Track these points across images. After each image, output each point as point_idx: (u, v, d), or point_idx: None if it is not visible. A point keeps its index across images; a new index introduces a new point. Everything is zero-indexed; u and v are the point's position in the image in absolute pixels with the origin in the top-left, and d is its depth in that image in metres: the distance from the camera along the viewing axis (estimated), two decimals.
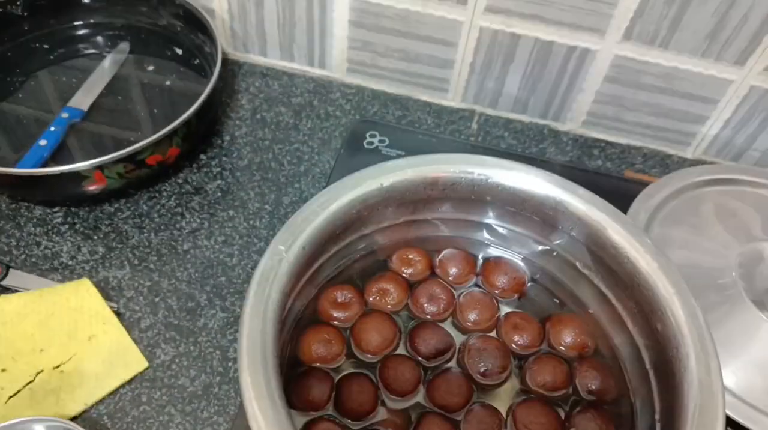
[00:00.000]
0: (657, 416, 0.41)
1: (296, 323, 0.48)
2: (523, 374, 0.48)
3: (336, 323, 0.49)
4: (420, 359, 0.48)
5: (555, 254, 0.50)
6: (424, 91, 0.80)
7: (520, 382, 0.48)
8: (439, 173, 0.46)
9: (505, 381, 0.48)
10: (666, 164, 0.77)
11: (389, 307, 0.51)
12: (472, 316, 0.50)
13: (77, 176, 0.61)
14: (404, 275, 0.53)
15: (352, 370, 0.48)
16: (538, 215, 0.48)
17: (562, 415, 0.45)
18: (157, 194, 0.68)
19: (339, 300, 0.49)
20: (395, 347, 0.48)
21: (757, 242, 0.53)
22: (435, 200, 0.50)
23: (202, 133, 0.72)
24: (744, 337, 0.49)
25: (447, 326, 0.50)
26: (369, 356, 0.47)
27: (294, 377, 0.45)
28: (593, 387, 0.46)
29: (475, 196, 0.49)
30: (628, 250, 0.43)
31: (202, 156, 0.72)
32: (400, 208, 0.49)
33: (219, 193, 0.69)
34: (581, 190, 0.46)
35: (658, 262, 0.42)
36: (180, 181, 0.70)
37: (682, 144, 0.78)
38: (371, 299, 0.51)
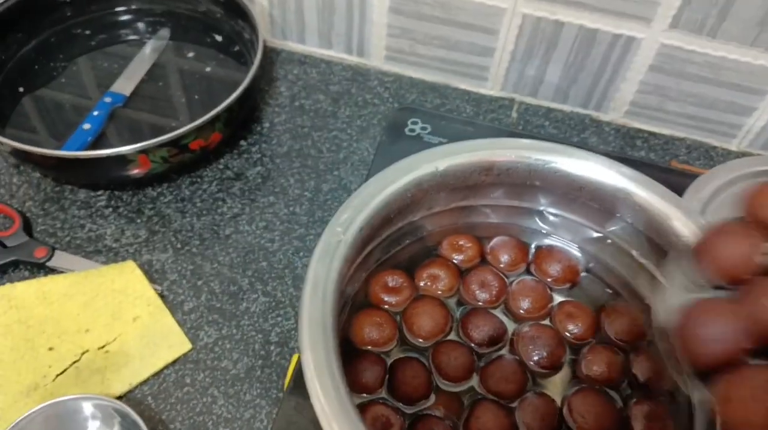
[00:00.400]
0: None
1: (348, 307, 0.48)
2: (577, 364, 0.47)
3: (387, 307, 0.49)
4: (473, 345, 0.48)
5: (610, 241, 0.49)
6: (463, 79, 0.80)
7: (574, 371, 0.47)
8: (495, 158, 0.46)
9: (558, 370, 0.47)
10: (710, 156, 0.76)
11: (440, 292, 0.50)
12: (524, 304, 0.49)
13: (122, 160, 0.61)
14: (454, 261, 0.52)
15: (404, 355, 0.47)
16: (595, 202, 0.47)
17: (618, 405, 0.45)
18: (198, 179, 0.69)
19: (390, 284, 0.49)
20: (447, 332, 0.48)
21: None
22: (487, 186, 0.49)
23: (243, 120, 0.72)
24: None
25: (498, 313, 0.50)
26: (421, 341, 0.47)
27: (347, 360, 0.45)
28: (649, 379, 0.45)
29: (530, 182, 0.48)
30: (691, 239, 0.42)
31: (243, 142, 0.72)
32: (453, 194, 0.49)
33: (259, 180, 0.69)
34: (643, 177, 0.45)
35: None
36: (221, 166, 0.70)
37: (727, 136, 0.76)
38: (422, 284, 0.51)
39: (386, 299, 0.49)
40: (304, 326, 0.35)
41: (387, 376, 0.45)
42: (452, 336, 0.48)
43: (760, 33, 0.65)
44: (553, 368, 0.47)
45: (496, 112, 0.78)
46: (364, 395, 0.44)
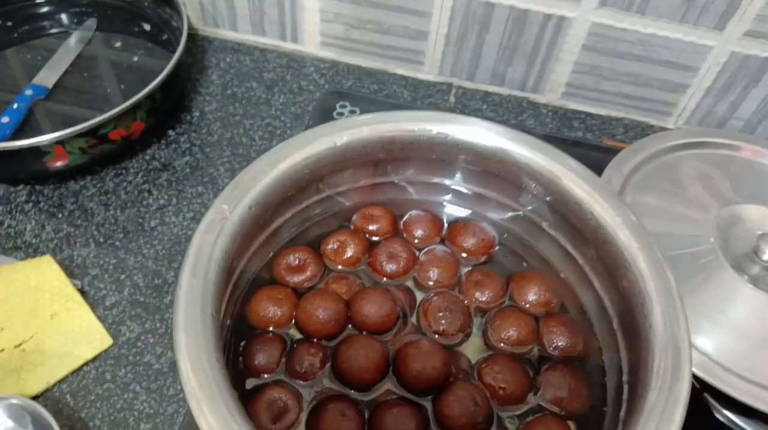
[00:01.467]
0: (625, 377, 0.40)
1: (246, 287, 0.46)
2: (485, 330, 0.46)
3: (291, 285, 0.47)
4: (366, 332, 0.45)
5: (521, 215, 0.49)
6: (399, 64, 0.79)
7: (484, 339, 0.46)
8: (395, 132, 0.44)
9: (463, 341, 0.46)
10: (647, 135, 0.76)
11: (341, 266, 0.48)
12: (433, 274, 0.47)
13: (38, 152, 0.59)
14: (367, 231, 0.50)
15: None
16: (501, 173, 0.46)
17: (529, 372, 0.44)
18: (123, 171, 0.67)
19: (293, 263, 0.47)
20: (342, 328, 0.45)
21: (734, 204, 0.52)
22: (396, 162, 0.48)
23: (170, 109, 0.70)
24: (724, 302, 0.48)
25: (410, 286, 0.48)
26: (315, 339, 0.45)
27: (247, 341, 0.43)
28: (560, 344, 0.44)
29: (437, 156, 0.47)
30: (591, 204, 0.41)
31: (171, 132, 0.70)
32: (360, 170, 0.47)
33: (188, 170, 0.67)
34: (541, 143, 0.44)
35: (621, 216, 0.40)
36: (147, 157, 0.68)
37: (663, 114, 0.76)
38: (328, 251, 0.49)
39: (288, 278, 0.47)
40: (180, 306, 0.33)
41: (284, 357, 0.43)
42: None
43: (688, 9, 0.65)
44: (457, 339, 0.45)
45: (433, 97, 0.78)
46: (264, 375, 0.42)
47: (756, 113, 0.73)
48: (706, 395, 0.45)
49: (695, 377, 0.45)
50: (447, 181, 0.50)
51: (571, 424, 0.42)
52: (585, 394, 0.42)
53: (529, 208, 0.48)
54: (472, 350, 0.45)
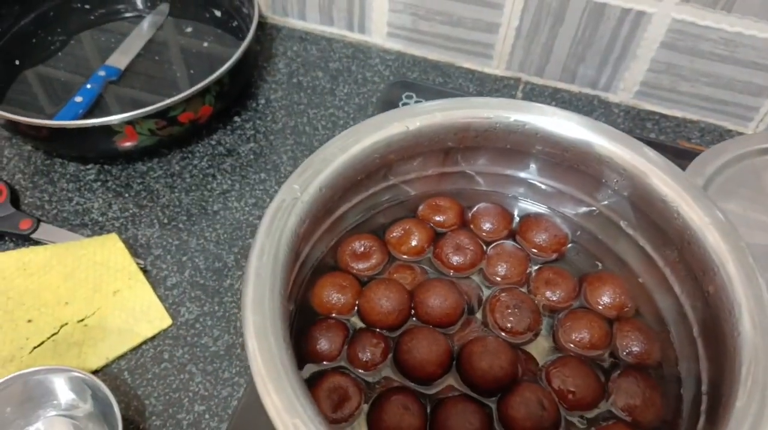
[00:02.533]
0: (704, 388, 0.37)
1: (310, 271, 0.45)
2: (554, 331, 0.44)
3: (355, 273, 0.46)
4: (430, 325, 0.44)
5: (597, 212, 0.46)
6: (467, 57, 0.77)
7: (553, 340, 0.44)
8: (471, 118, 0.43)
9: (531, 340, 0.44)
10: (724, 140, 0.72)
11: (406, 256, 0.47)
12: (501, 269, 0.46)
13: (109, 131, 0.60)
14: (433, 222, 0.49)
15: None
16: (580, 167, 0.44)
17: (601, 377, 0.42)
18: (189, 155, 0.67)
19: (358, 250, 0.46)
20: (406, 319, 0.44)
21: None
22: (469, 150, 0.46)
23: (236, 95, 0.70)
24: None
25: (476, 280, 0.47)
26: (378, 329, 0.44)
27: (309, 326, 0.42)
28: (635, 350, 0.41)
29: (512, 146, 0.45)
30: (679, 203, 0.39)
31: (236, 118, 0.71)
32: (430, 158, 0.46)
33: (252, 156, 0.68)
34: (628, 138, 0.42)
35: (711, 216, 0.37)
36: (213, 142, 0.68)
37: (742, 119, 0.72)
38: (392, 240, 0.47)
39: (353, 264, 0.46)
40: (249, 285, 0.33)
41: (346, 345, 0.43)
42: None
43: None
44: (525, 338, 0.43)
45: (500, 92, 0.76)
46: (325, 363, 0.42)
47: None
48: None
49: None
50: (520, 174, 0.48)
51: None
52: (659, 403, 0.39)
53: (608, 204, 0.45)
54: (539, 350, 0.43)
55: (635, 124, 0.73)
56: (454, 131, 0.44)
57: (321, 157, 0.39)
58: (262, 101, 0.73)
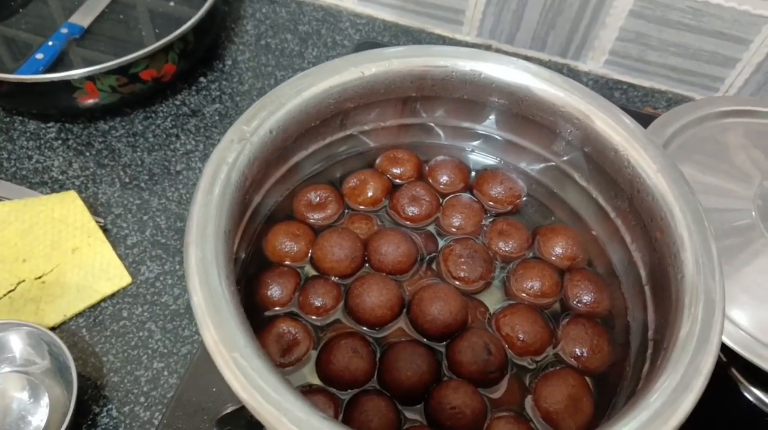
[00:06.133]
0: (650, 334, 0.38)
1: (268, 220, 0.45)
2: (507, 280, 0.44)
3: (310, 223, 0.46)
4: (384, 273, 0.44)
5: (553, 166, 0.46)
6: (437, 23, 0.77)
7: (505, 289, 0.44)
8: (427, 66, 0.43)
9: (483, 289, 0.44)
10: None
11: (365, 203, 0.47)
12: (455, 220, 0.46)
13: (69, 86, 0.59)
14: (390, 174, 0.49)
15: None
16: (535, 118, 0.44)
17: (551, 326, 0.42)
18: (153, 114, 0.66)
19: (314, 201, 0.46)
20: (358, 267, 0.44)
21: None
22: (427, 101, 0.46)
23: (202, 55, 0.69)
24: (764, 276, 0.45)
25: (432, 231, 0.47)
26: (330, 277, 0.43)
27: (262, 273, 0.42)
28: (585, 299, 0.42)
29: (469, 96, 0.45)
30: (629, 151, 0.39)
31: (202, 79, 0.70)
32: (388, 108, 0.46)
33: (216, 117, 0.67)
34: (582, 88, 0.42)
35: (659, 163, 0.38)
36: (177, 102, 0.67)
37: (709, 89, 0.73)
38: (348, 190, 0.47)
39: (308, 215, 0.46)
40: (193, 219, 0.32)
41: (298, 292, 0.42)
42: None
43: None
44: (478, 286, 0.44)
45: None
46: (277, 308, 0.42)
47: None
48: (733, 370, 0.43)
49: (726, 350, 0.43)
50: (478, 127, 0.48)
51: (589, 380, 0.40)
52: (606, 350, 0.40)
53: (564, 158, 0.45)
54: (491, 299, 0.44)
55: (603, 93, 0.73)
56: (410, 79, 0.43)
57: (272, 99, 0.38)
58: (229, 62, 0.72)
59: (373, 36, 0.76)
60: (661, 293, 0.37)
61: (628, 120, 0.40)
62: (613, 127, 0.40)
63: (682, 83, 0.73)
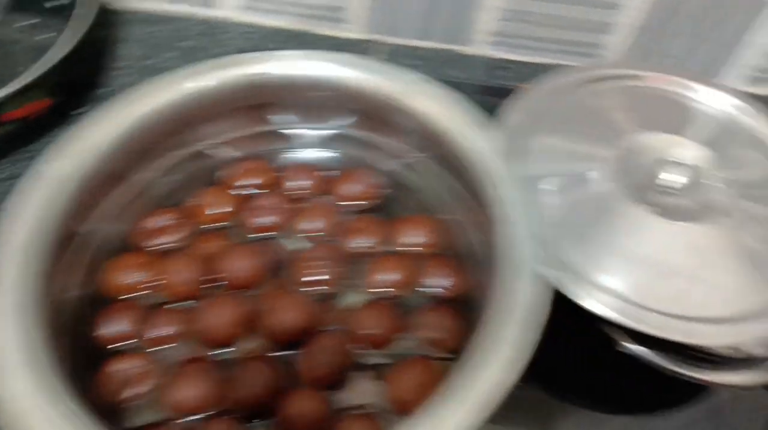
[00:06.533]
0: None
1: (106, 253, 0.43)
2: (363, 278, 0.44)
3: (153, 249, 0.45)
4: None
5: (404, 161, 0.46)
6: (320, 23, 0.76)
7: (361, 287, 0.44)
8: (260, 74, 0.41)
9: (339, 291, 0.44)
10: None
11: (211, 220, 0.45)
12: (308, 225, 0.45)
13: None
14: (238, 186, 0.47)
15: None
16: (379, 112, 0.43)
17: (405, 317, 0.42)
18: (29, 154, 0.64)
19: (155, 226, 0.44)
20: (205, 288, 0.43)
21: (634, 134, 0.49)
22: (270, 107, 0.45)
23: (77, 87, 0.67)
24: (630, 237, 0.45)
25: (284, 239, 0.46)
26: (175, 301, 0.42)
27: (100, 311, 0.41)
28: (440, 285, 0.42)
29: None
30: (455, 134, 0.39)
31: (82, 110, 0.68)
32: (229, 119, 0.44)
33: None
34: (412, 74, 0.42)
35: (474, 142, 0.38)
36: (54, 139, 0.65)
37: (592, 57, 0.74)
38: (193, 209, 0.46)
39: (152, 241, 0.44)
40: None
41: (139, 324, 0.41)
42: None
43: None
44: (337, 285, 0.44)
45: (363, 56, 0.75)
46: (118, 344, 0.40)
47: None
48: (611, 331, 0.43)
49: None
50: (329, 128, 0.48)
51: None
52: (464, 332, 0.40)
53: (411, 151, 0.45)
54: (347, 299, 0.44)
55: (494, 74, 0.74)
56: (240, 89, 0.43)
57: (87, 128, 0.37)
58: (111, 89, 0.70)
59: (264, 44, 0.75)
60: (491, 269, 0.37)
61: (450, 97, 0.40)
62: (428, 104, 0.40)
63: (568, 54, 0.74)
